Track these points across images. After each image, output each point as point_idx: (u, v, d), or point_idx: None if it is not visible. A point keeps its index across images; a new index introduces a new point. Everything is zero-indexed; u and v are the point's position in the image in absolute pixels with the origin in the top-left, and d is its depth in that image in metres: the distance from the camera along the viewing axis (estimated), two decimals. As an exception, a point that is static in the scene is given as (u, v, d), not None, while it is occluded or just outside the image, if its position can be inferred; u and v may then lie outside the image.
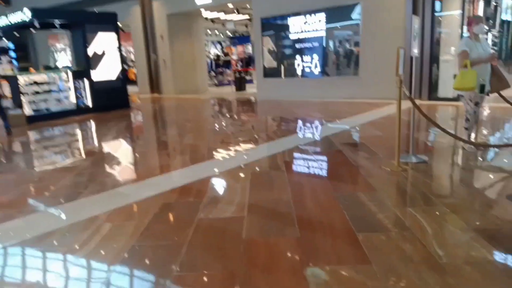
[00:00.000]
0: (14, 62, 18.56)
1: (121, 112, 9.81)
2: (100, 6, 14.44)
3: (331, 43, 10.08)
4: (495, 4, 11.00)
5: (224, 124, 7.16)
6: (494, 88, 4.11)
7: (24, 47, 19.93)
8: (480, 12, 9.10)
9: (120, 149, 5.59)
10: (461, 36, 8.12)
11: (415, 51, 4.08)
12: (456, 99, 8.52)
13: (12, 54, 20.95)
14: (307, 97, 10.42)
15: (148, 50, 14.45)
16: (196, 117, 8.54)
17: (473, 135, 4.49)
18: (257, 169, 3.98)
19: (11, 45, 20.89)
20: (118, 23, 17.33)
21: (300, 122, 6.90)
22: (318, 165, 4.06)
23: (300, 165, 4.16)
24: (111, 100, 10.18)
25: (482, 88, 4.02)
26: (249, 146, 5.22)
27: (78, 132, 7.64)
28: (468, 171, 3.82)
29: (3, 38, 19.84)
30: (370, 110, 7.65)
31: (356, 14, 9.31)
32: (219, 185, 3.54)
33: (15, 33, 18.30)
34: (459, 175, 3.77)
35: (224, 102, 11.62)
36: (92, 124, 8.45)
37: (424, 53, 8.42)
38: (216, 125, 7.34)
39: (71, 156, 5.38)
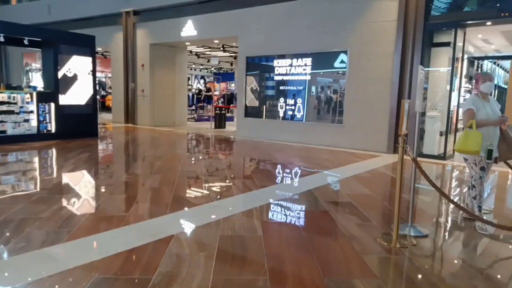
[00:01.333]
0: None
1: (87, 141, 8.99)
2: (85, 29, 13.95)
3: (315, 88, 9.78)
4: (478, 65, 11.17)
5: (197, 165, 6.48)
6: (503, 156, 3.66)
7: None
8: (467, 71, 9.07)
9: (67, 190, 4.77)
10: (450, 92, 7.94)
11: (418, 104, 3.59)
12: (442, 157, 8.34)
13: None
14: (288, 140, 9.95)
15: (127, 78, 13.86)
16: (168, 153, 7.82)
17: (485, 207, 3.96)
18: (228, 231, 3.28)
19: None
20: (99, 48, 16.96)
21: (280, 170, 6.31)
22: (302, 232, 3.40)
23: (280, 229, 3.49)
24: (77, 127, 9.39)
25: (489, 154, 3.55)
26: (221, 195, 4.54)
27: (28, 161, 6.76)
28: (478, 252, 3.24)
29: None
30: (355, 162, 7.17)
31: (342, 61, 9.10)
32: (177, 252, 2.81)
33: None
34: (469, 257, 3.17)
35: (201, 138, 10.98)
36: (49, 153, 7.58)
37: (410, 108, 8.14)
38: (188, 165, 6.64)
39: (3, 193, 4.53)
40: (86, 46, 9.61)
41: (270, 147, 9.12)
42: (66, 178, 5.40)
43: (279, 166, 6.69)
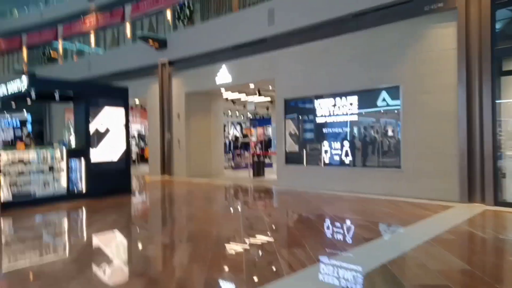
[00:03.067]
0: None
1: (119, 199, 8.34)
2: (122, 82, 14.05)
3: (363, 129, 8.71)
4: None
5: (235, 226, 5.51)
6: None
7: (41, 121, 19.67)
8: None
9: (80, 268, 3.95)
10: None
11: None
12: None
13: (29, 127, 20.70)
14: (334, 190, 8.79)
15: (163, 129, 13.53)
16: (204, 213, 6.92)
17: None
18: None
19: (29, 118, 20.74)
20: (137, 99, 17.08)
21: (335, 231, 5.18)
22: None
23: None
24: (109, 184, 8.82)
25: None
26: (264, 277, 3.49)
27: (49, 227, 6.09)
28: None
29: (24, 110, 19.75)
30: (425, 217, 5.88)
31: (395, 99, 8.05)
32: None
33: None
34: None
35: (240, 190, 10.07)
36: (75, 216, 6.94)
37: (485, 147, 6.85)
38: (225, 228, 5.68)
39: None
40: (119, 98, 9.28)
41: (317, 199, 8.01)
42: (75, 254, 4.60)
43: (332, 226, 5.56)
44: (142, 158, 19.86)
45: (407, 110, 7.86)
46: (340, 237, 4.87)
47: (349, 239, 4.73)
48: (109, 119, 9.04)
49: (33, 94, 7.70)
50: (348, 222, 5.70)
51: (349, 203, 7.49)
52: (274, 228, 5.51)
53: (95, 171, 8.66)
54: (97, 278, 3.57)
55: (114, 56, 15.72)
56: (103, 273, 3.74)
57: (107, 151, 8.97)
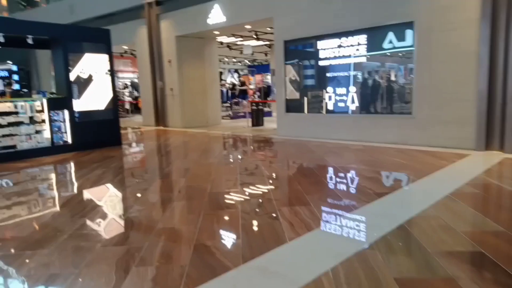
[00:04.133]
0: (17, 85, 17.18)
1: (108, 151, 7.80)
2: (108, 27, 12.90)
3: (373, 73, 7.94)
4: None
5: (233, 184, 5.00)
6: None
7: (28, 71, 18.64)
8: None
9: (68, 222, 3.46)
10: None
11: None
12: None
13: (15, 77, 19.73)
14: (341, 138, 8.22)
15: (154, 77, 12.66)
16: (198, 167, 6.39)
17: None
18: None
19: (14, 68, 19.69)
20: (125, 46, 15.96)
21: (343, 187, 4.66)
22: None
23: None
24: (97, 136, 8.24)
25: None
26: (266, 238, 3.00)
27: (31, 182, 5.58)
28: None
29: (8, 61, 18.68)
30: (440, 167, 5.34)
31: (408, 36, 7.20)
32: None
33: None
34: None
35: (237, 141, 9.51)
36: (62, 169, 6.41)
37: (509, 89, 6.15)
38: (221, 184, 5.16)
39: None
40: (101, 42, 8.39)
41: (321, 148, 7.46)
42: (48, 209, 4.10)
43: (339, 179, 5.04)
44: (137, 108, 19.12)
45: (422, 50, 7.03)
46: (348, 192, 4.36)
47: (359, 195, 4.22)
48: (91, 65, 8.23)
49: (1, 38, 6.81)
50: (356, 174, 5.17)
51: (356, 152, 6.94)
52: (275, 183, 4.98)
53: (81, 122, 8.03)
54: (85, 232, 3.08)
55: (96, -2, 14.36)
56: (91, 228, 3.25)
57: (92, 100, 8.26)
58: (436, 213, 3.51)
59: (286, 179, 5.18)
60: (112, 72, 8.57)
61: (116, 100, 8.76)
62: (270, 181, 4.96)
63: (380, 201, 3.91)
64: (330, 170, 5.61)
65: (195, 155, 7.17)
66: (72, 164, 6.79)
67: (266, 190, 4.49)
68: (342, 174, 5.22)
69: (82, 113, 8.08)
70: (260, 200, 4.11)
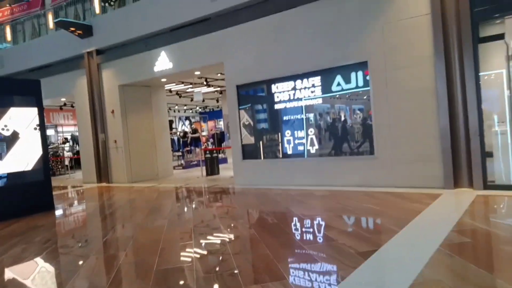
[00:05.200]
0: None
1: (35, 219, 6.54)
2: (45, 79, 11.89)
3: (329, 114, 7.63)
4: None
5: (185, 253, 4.12)
6: None
7: None
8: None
9: None
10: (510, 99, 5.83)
11: None
12: None
13: None
14: (301, 184, 7.66)
15: (95, 129, 11.59)
16: (144, 231, 5.42)
17: None
18: None
19: None
20: (63, 98, 14.79)
21: (318, 247, 3.96)
22: None
23: None
24: (24, 202, 6.99)
25: None
26: None
27: None
28: None
29: None
30: (415, 211, 4.86)
31: (362, 76, 7.02)
32: None
33: None
34: None
35: (191, 194, 8.61)
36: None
37: (470, 124, 6.01)
38: (172, 257, 4.25)
39: None
40: (29, 94, 7.37)
41: (284, 197, 6.81)
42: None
43: (311, 237, 4.35)
44: (79, 164, 17.55)
45: (378, 88, 6.86)
46: (327, 255, 3.66)
47: (340, 257, 3.52)
48: (17, 121, 7.14)
49: None
50: (329, 228, 4.52)
51: (323, 200, 6.36)
52: (237, 248, 4.17)
53: (2, 186, 6.79)
54: None
55: (31, 49, 13.33)
56: None
57: (17, 160, 7.08)
58: (436, 276, 2.89)
59: (251, 241, 4.39)
60: (42, 127, 7.49)
61: (46, 158, 7.61)
62: (232, 246, 4.14)
63: (367, 265, 3.23)
64: (299, 224, 4.91)
65: (140, 217, 6.17)
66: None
67: (228, 261, 3.66)
68: (314, 230, 4.54)
69: (3, 176, 6.85)
70: (222, 277, 3.27)
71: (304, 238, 4.27)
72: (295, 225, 4.92)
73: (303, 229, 4.64)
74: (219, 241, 4.39)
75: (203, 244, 4.30)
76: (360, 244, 3.81)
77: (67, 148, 18.20)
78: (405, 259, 3.39)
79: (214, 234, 4.73)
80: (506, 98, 6.01)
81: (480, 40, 5.97)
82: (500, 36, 5.97)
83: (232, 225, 5.23)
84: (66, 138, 19.07)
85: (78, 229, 6.03)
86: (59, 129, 20.63)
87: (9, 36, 15.87)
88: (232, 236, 4.56)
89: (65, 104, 17.53)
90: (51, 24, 13.76)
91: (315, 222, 4.86)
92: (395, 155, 6.73)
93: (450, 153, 6.16)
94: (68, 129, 20.40)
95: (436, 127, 6.31)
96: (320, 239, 4.16)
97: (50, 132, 20.63)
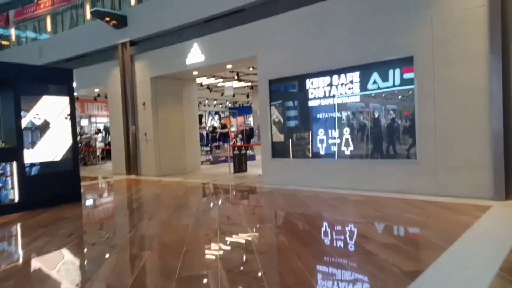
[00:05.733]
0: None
1: (62, 210, 6.50)
2: (79, 69, 12.08)
3: (369, 113, 7.13)
4: None
5: (210, 259, 3.84)
6: None
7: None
8: None
9: None
10: None
11: None
12: None
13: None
14: (334, 187, 7.22)
15: (126, 120, 11.60)
16: (169, 230, 5.21)
17: None
18: None
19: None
20: (96, 89, 14.98)
21: (358, 259, 3.57)
22: None
23: None
24: (52, 192, 6.96)
25: None
26: None
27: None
28: None
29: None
30: (464, 224, 4.34)
31: (408, 73, 6.48)
32: None
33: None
34: None
35: (218, 192, 8.37)
36: (-5, 239, 5.09)
37: (528, 129, 5.37)
38: (196, 263, 3.99)
39: None
40: (62, 83, 7.35)
41: (315, 200, 6.41)
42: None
43: (348, 249, 3.95)
44: (109, 155, 17.84)
45: (424, 87, 6.29)
46: (367, 272, 3.26)
47: (383, 276, 3.12)
48: (49, 109, 7.13)
49: None
50: (367, 240, 4.10)
51: (358, 206, 5.91)
52: (267, 258, 3.84)
53: (31, 175, 6.81)
54: None
55: (68, 39, 13.55)
56: None
57: (47, 150, 7.07)
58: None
59: (280, 250, 4.05)
60: (73, 117, 7.47)
61: (76, 148, 7.58)
62: (261, 255, 3.81)
63: (413, 286, 2.82)
64: (334, 233, 4.52)
65: (166, 213, 5.97)
66: (11, 230, 5.46)
67: (255, 272, 3.34)
68: (350, 241, 4.14)
69: (34, 165, 6.87)
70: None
71: (340, 250, 3.88)
72: (328, 233, 4.53)
73: (338, 239, 4.25)
74: (246, 248, 4.08)
75: (229, 250, 4.01)
76: (405, 261, 3.38)
77: (99, 139, 18.51)
78: (459, 283, 2.94)
79: (241, 239, 4.43)
80: None
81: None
82: None
83: (260, 229, 4.91)
84: (99, 129, 19.42)
85: (102, 224, 5.91)
86: (93, 119, 21.06)
87: (49, 27, 16.27)
88: (260, 243, 4.24)
89: (99, 95, 17.79)
90: (88, 15, 13.91)
91: (352, 232, 4.45)
92: (439, 160, 6.16)
93: (503, 160, 5.54)
94: (101, 120, 20.79)
95: (487, 131, 5.70)
96: (358, 252, 3.76)
97: (84, 122, 21.14)
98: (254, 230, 4.75)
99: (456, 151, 6.00)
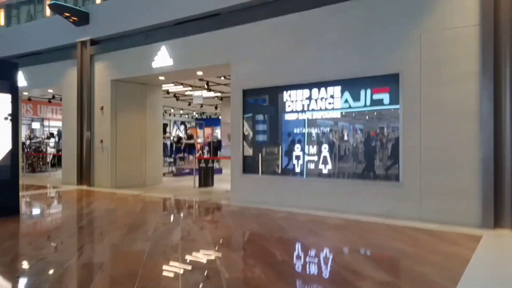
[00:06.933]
0: None
1: (-8, 227, 5.41)
2: (33, 67, 10.94)
3: (350, 130, 6.68)
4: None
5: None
6: None
7: None
8: None
9: None
10: None
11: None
12: None
13: None
14: (310, 207, 6.64)
15: (81, 126, 10.50)
16: (119, 258, 4.35)
17: None
18: None
19: None
20: (50, 90, 13.68)
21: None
22: None
23: None
24: (-19, 203, 5.84)
25: None
26: None
27: None
28: None
29: None
30: (462, 257, 3.86)
31: (391, 91, 6.09)
32: None
33: None
34: None
35: (181, 209, 7.53)
36: None
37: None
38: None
39: None
40: (2, 78, 6.31)
41: (292, 224, 5.78)
42: None
43: (333, 286, 3.32)
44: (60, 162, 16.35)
45: (409, 106, 5.92)
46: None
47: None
48: (-16, 106, 6.07)
49: None
50: (358, 276, 3.49)
51: (338, 230, 5.33)
52: (240, 295, 3.11)
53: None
54: None
55: (22, 34, 12.30)
56: None
57: (-21, 154, 5.98)
58: None
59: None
60: (16, 117, 6.42)
61: (16, 154, 6.51)
62: (234, 294, 3.08)
63: None
64: (318, 267, 3.88)
65: (118, 235, 5.07)
66: None
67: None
68: (340, 279, 3.50)
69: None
70: None
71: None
72: (312, 267, 3.88)
73: (325, 276, 3.61)
74: (215, 285, 3.32)
75: (189, 274, 3.23)
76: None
77: (51, 144, 16.99)
78: None
79: (209, 272, 3.66)
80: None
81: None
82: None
83: (232, 260, 4.16)
84: (51, 133, 17.86)
85: (36, 247, 4.88)
86: (46, 123, 19.45)
87: (1, 20, 14.81)
88: (231, 278, 3.49)
89: (53, 97, 16.41)
90: (47, 11, 12.75)
91: (340, 265, 3.82)
92: (425, 184, 5.76)
93: (493, 187, 5.20)
94: (55, 123, 19.22)
95: (476, 156, 5.37)
96: (351, 293, 3.12)
97: (35, 125, 19.45)
98: (225, 260, 4.00)
99: (443, 176, 5.62)
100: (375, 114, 6.35)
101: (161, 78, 10.04)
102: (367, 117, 6.44)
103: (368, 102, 6.32)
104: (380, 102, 6.22)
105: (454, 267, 3.70)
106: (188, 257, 4.09)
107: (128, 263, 3.82)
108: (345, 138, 6.68)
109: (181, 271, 3.57)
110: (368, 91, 6.31)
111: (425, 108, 5.76)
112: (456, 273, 3.46)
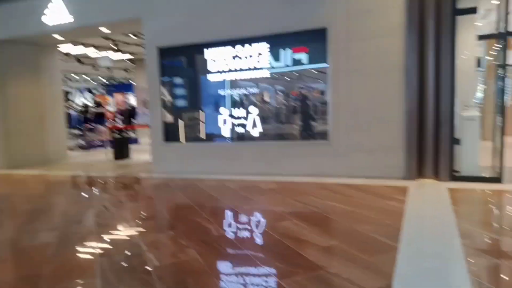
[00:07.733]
0: None
1: None
2: None
3: (278, 90, 6.36)
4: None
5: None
6: None
7: None
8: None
9: None
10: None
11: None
12: (498, 179, 4.93)
13: None
14: (242, 173, 6.32)
15: (-43, 96, 8.57)
16: (18, 254, 3.52)
17: None
18: None
19: None
20: None
21: (287, 266, 2.66)
22: None
23: None
24: None
25: None
26: None
27: None
28: None
29: None
30: (395, 211, 3.88)
31: (320, 47, 5.84)
32: None
33: None
34: None
35: (95, 187, 6.64)
36: None
37: (442, 108, 5.25)
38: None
39: None
40: None
41: (222, 191, 5.40)
42: None
43: (278, 258, 3.03)
44: None
45: (336, 62, 5.75)
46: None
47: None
48: None
49: None
50: (301, 243, 3.25)
51: (273, 194, 5.09)
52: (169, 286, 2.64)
53: None
54: None
55: None
56: None
57: None
58: None
59: (195, 273, 2.88)
60: None
61: None
62: (164, 285, 2.59)
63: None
64: (260, 238, 3.56)
65: (15, 226, 4.16)
66: None
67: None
68: (284, 248, 3.21)
69: None
70: None
71: (275, 264, 2.91)
72: (252, 239, 3.54)
73: (269, 248, 3.29)
74: (141, 279, 2.78)
75: (112, 282, 2.66)
76: (361, 274, 2.59)
77: None
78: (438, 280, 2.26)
79: (132, 262, 3.09)
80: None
81: (457, 12, 5.18)
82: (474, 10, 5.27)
83: (161, 243, 3.61)
84: None
85: None
86: None
87: None
88: (160, 265, 2.98)
89: None
90: None
91: (280, 233, 3.53)
92: (352, 142, 5.76)
93: (416, 140, 5.36)
94: None
95: (401, 110, 5.45)
96: (300, 266, 2.83)
97: None
98: (152, 245, 3.44)
99: (369, 132, 5.66)
100: (306, 72, 6.08)
101: (58, 37, 8.51)
102: (295, 76, 6.15)
103: (289, 62, 6.01)
104: (301, 62, 5.93)
105: (391, 222, 3.68)
106: (107, 246, 3.45)
107: (28, 262, 3.06)
108: (273, 99, 6.35)
109: (99, 265, 2.94)
110: (289, 50, 5.97)
111: (352, 64, 5.64)
112: (395, 230, 3.41)
